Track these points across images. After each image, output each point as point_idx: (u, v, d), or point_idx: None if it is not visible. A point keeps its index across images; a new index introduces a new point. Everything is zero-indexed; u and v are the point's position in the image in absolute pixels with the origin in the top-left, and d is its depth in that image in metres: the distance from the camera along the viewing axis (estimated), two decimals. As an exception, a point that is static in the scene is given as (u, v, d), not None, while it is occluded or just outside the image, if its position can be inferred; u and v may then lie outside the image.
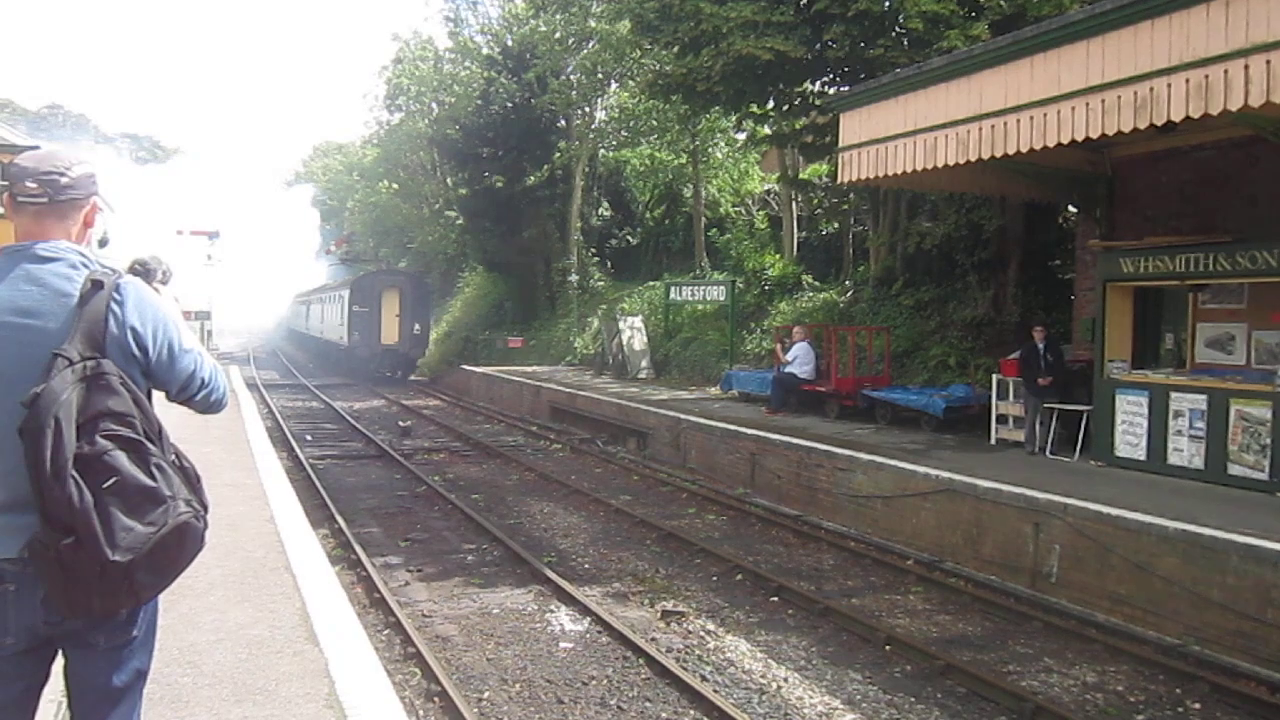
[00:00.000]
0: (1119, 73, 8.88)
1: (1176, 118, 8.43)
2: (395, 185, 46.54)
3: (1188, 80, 8.25)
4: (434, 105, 38.04)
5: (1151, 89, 8.57)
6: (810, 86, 18.15)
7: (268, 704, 4.17)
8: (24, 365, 2.27)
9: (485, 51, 35.17)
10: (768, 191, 29.52)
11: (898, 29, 15.45)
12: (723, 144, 29.49)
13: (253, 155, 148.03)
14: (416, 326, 36.08)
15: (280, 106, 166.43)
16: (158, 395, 2.57)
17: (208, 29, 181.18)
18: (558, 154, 31.71)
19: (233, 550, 6.74)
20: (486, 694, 6.68)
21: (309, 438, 19.28)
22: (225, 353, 44.86)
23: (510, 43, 33.29)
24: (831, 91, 16.84)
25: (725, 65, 15.81)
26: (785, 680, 7.01)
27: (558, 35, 30.33)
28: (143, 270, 2.66)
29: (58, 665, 2.47)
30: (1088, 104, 9.20)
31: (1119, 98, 8.89)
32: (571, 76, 30.77)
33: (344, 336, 36.32)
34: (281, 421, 21.01)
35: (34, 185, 2.39)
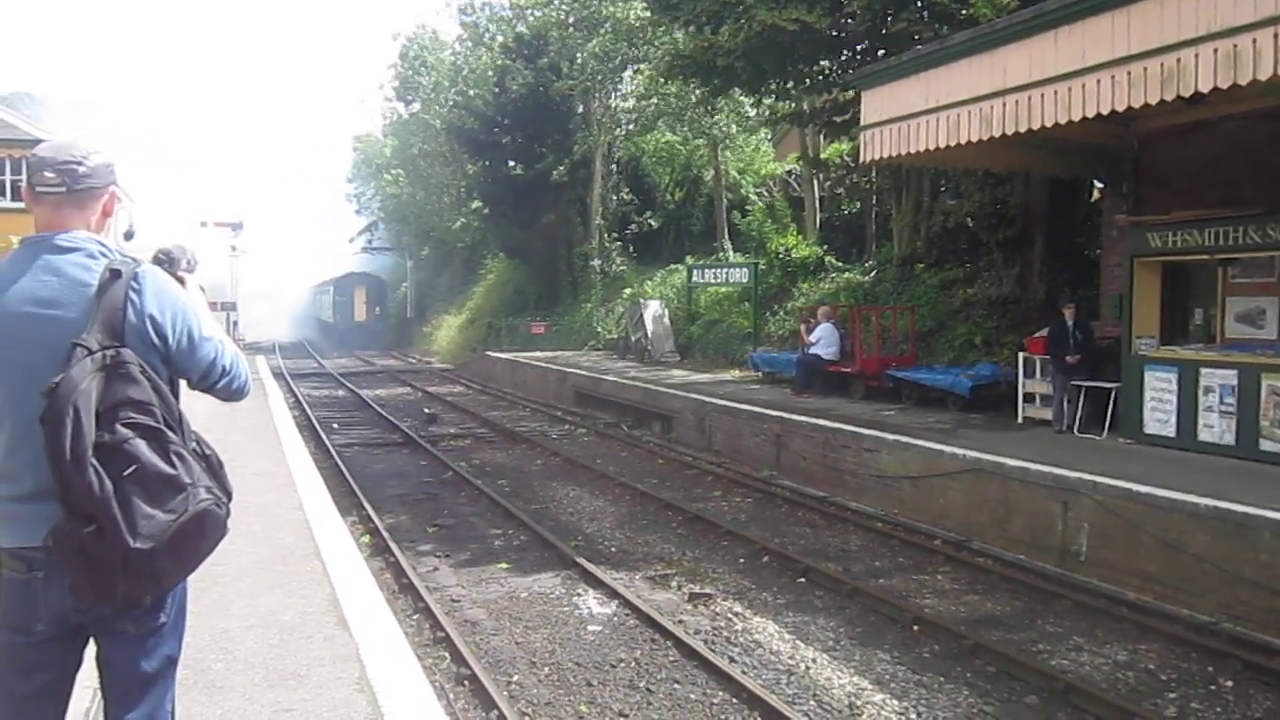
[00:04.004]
0: (1145, 44, 8.71)
1: (1205, 89, 8.26)
2: (402, 174, 46.98)
3: (1216, 50, 8.08)
4: (450, 95, 38.16)
5: (1179, 60, 8.41)
6: (830, 64, 17.97)
7: (300, 688, 4.21)
8: (45, 355, 2.28)
9: (499, 40, 35.14)
10: (789, 172, 29.34)
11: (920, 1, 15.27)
12: (735, 124, 29.24)
13: (276, 147, 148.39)
14: (377, 309, 56.28)
15: (302, 96, 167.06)
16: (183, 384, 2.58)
17: (226, 16, 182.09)
18: (576, 144, 31.64)
19: (263, 538, 6.81)
20: (516, 677, 6.72)
21: (335, 426, 19.40)
22: (252, 343, 45.16)
23: (522, 29, 33.20)
24: (852, 69, 16.66)
25: (746, 39, 15.65)
26: (813, 661, 7.01)
27: (571, 21, 30.24)
28: (166, 259, 2.67)
29: (91, 652, 2.49)
30: (1113, 77, 9.03)
31: (1145, 70, 8.72)
32: (587, 62, 30.66)
33: (331, 316, 57.63)
34: (308, 409, 21.17)
35: (52, 175, 2.40)
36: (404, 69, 44.50)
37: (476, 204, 37.56)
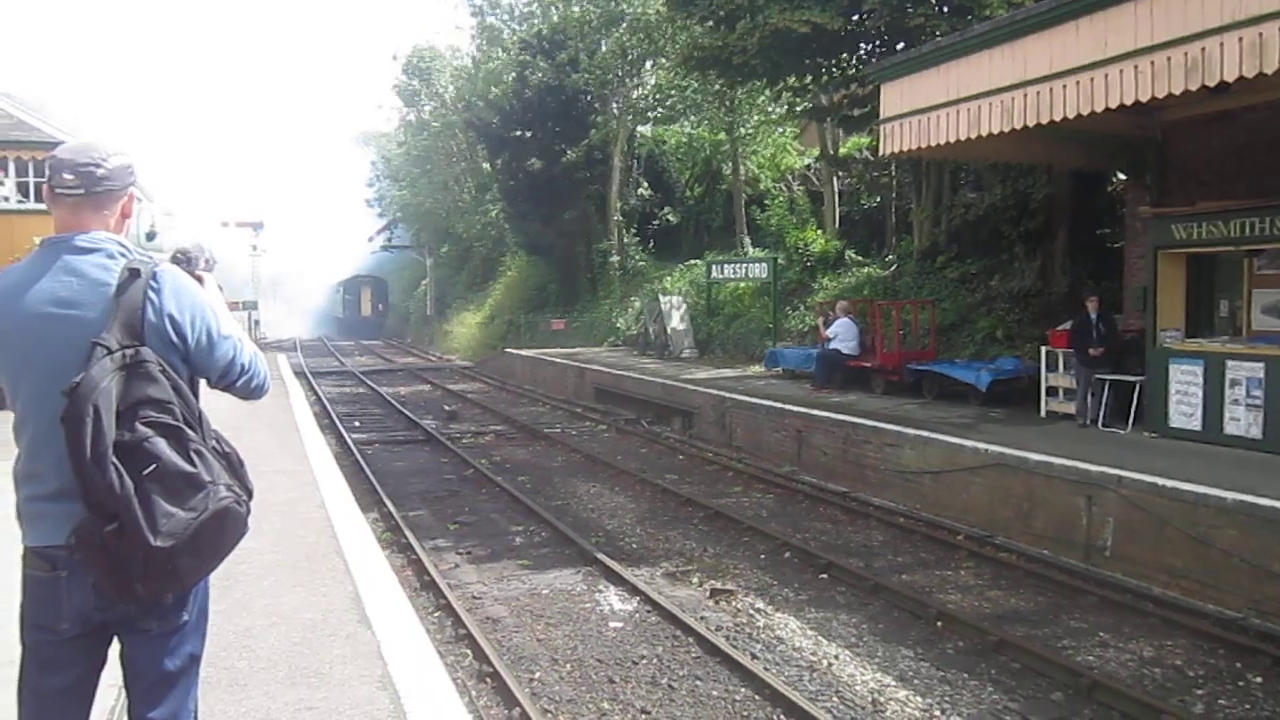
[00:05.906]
0: (1169, 33, 8.62)
1: (1230, 78, 8.17)
2: (409, 192, 47.65)
3: (1241, 39, 7.99)
4: (465, 95, 38.43)
5: (1203, 49, 8.31)
6: (848, 59, 17.89)
7: (322, 686, 4.22)
8: (65, 355, 2.30)
9: (515, 38, 35.21)
10: (808, 167, 29.20)
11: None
12: (757, 118, 29.15)
13: (297, 147, 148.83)
14: (380, 305, 65.76)
15: (323, 97, 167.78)
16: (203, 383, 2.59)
17: (251, 16, 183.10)
18: (594, 129, 31.60)
19: (285, 536, 6.83)
20: (538, 674, 6.72)
21: (356, 423, 19.48)
22: (273, 341, 45.42)
23: (540, 26, 33.22)
24: (870, 63, 16.58)
25: (762, 38, 15.61)
26: (836, 658, 6.98)
27: (589, 19, 30.24)
28: (184, 258, 2.68)
29: (115, 650, 2.50)
30: (1136, 67, 8.95)
31: (1169, 59, 8.63)
32: (606, 57, 30.65)
33: (342, 312, 66.57)
34: (329, 407, 21.26)
35: (71, 177, 2.41)
36: (408, 83, 45.54)
37: (495, 201, 37.62)
